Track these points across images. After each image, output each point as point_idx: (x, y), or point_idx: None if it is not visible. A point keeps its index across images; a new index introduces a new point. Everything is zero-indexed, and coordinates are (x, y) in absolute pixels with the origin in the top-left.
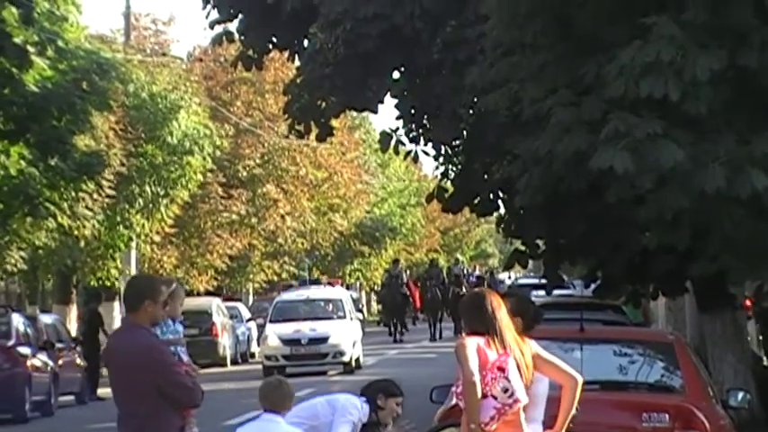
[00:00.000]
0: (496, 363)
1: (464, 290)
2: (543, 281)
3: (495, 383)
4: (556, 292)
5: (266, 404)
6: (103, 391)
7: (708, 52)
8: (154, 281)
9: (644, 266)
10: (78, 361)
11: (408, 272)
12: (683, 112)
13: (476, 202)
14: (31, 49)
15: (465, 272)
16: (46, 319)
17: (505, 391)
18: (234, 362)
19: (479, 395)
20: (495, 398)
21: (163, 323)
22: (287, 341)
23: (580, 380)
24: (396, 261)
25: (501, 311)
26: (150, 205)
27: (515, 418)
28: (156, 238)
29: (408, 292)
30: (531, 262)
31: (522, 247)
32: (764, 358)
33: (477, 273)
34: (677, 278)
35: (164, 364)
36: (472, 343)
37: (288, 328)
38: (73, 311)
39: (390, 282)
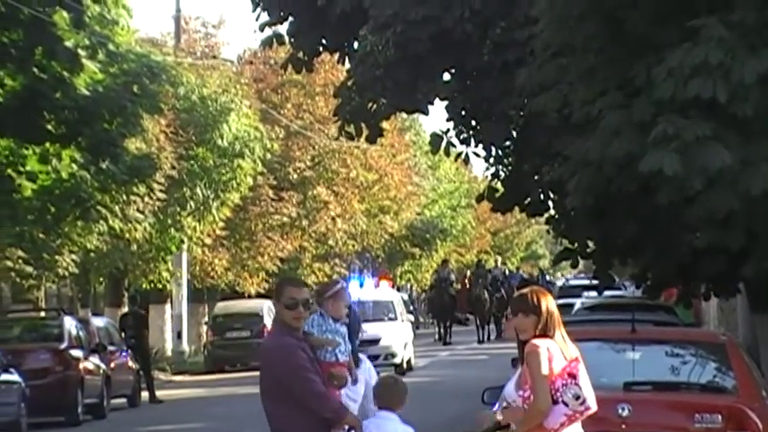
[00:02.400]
0: (567, 369)
1: (502, 293)
2: (594, 282)
3: (567, 390)
4: (607, 292)
5: (382, 402)
6: (162, 393)
7: (756, 54)
8: (281, 282)
9: (695, 267)
10: (130, 363)
11: (468, 273)
12: (731, 114)
13: (526, 202)
14: (81, 52)
15: (506, 274)
16: (98, 321)
17: (577, 398)
18: None
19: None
20: (567, 404)
21: (323, 321)
22: None
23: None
24: (444, 262)
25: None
26: (201, 208)
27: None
28: (207, 241)
29: (456, 294)
30: (582, 263)
31: (571, 246)
32: None
33: (522, 274)
34: (729, 279)
35: (290, 365)
36: (544, 350)
37: None
38: None
39: (439, 283)
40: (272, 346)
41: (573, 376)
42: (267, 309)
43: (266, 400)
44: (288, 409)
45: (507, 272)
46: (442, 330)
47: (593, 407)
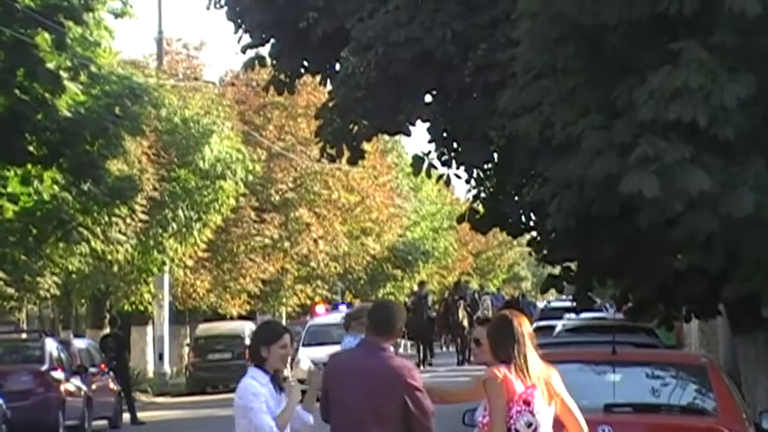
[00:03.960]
0: (523, 395)
1: (459, 316)
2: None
3: (520, 417)
4: (589, 314)
5: None
6: (143, 415)
7: (736, 77)
8: (400, 308)
9: (675, 289)
10: (112, 385)
11: (447, 293)
12: (712, 136)
13: (507, 223)
14: (63, 74)
15: (477, 295)
16: (79, 343)
17: (529, 425)
18: None
19: None
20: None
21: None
22: (320, 365)
23: (586, 430)
24: (422, 283)
25: (527, 337)
26: (183, 229)
27: None
28: (189, 263)
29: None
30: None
31: (556, 272)
32: None
33: (503, 295)
34: (710, 301)
35: (415, 386)
36: (501, 376)
37: (320, 352)
38: None
39: (417, 305)
40: (402, 366)
41: (527, 403)
42: (249, 330)
43: (375, 425)
44: (391, 429)
45: (478, 294)
46: (421, 353)
47: None
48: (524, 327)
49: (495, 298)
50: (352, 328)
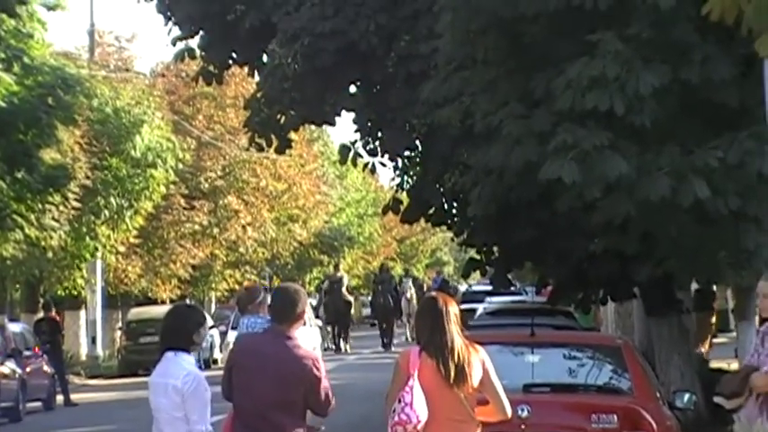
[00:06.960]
0: (410, 381)
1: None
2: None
3: (396, 412)
4: (509, 298)
5: None
6: (77, 397)
7: (651, 67)
8: (301, 292)
9: (591, 272)
10: (46, 368)
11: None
12: (629, 124)
13: (430, 212)
14: None
15: (399, 281)
16: (14, 327)
17: (393, 410)
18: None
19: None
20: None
21: (262, 321)
22: None
23: (509, 415)
24: (336, 266)
25: (438, 319)
26: (115, 216)
27: None
28: (121, 249)
29: (350, 299)
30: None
31: (477, 256)
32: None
33: (444, 277)
34: (624, 283)
35: (318, 377)
36: (404, 357)
37: None
38: None
39: (332, 288)
40: (307, 356)
41: (410, 389)
42: None
43: (279, 412)
44: (298, 419)
45: (400, 278)
46: (336, 338)
47: (405, 417)
48: (436, 308)
49: (434, 281)
50: (248, 311)
